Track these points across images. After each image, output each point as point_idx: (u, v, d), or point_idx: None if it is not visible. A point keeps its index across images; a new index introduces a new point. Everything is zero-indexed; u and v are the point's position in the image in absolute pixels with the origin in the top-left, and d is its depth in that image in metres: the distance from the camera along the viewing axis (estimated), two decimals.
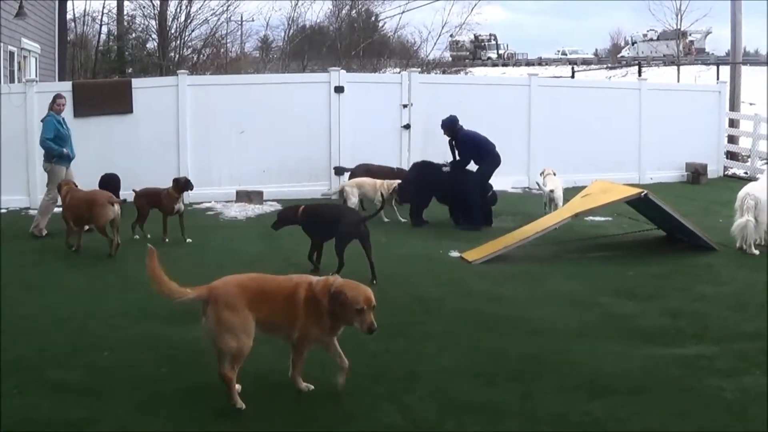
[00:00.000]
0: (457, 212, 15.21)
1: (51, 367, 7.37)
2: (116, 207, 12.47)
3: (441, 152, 16.11)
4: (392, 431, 6.17)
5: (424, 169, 15.58)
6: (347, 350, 6.80)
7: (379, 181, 15.55)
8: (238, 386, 6.46)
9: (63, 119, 14.43)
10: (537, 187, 17.06)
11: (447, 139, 15.44)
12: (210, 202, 17.18)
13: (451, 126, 15.36)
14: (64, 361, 7.58)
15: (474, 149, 15.13)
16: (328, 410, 6.50)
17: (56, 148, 13.95)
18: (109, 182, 15.05)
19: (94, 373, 7.24)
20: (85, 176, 14.46)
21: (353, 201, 15.27)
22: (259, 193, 17.60)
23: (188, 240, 13.29)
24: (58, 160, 14.03)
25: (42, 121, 14.31)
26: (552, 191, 15.56)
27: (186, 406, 6.54)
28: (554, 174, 16.22)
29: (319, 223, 11.30)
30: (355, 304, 6.31)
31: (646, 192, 12.55)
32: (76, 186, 13.45)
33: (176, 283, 6.40)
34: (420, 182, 15.28)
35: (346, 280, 6.63)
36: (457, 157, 15.36)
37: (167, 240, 13.21)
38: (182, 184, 13.65)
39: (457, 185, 14.88)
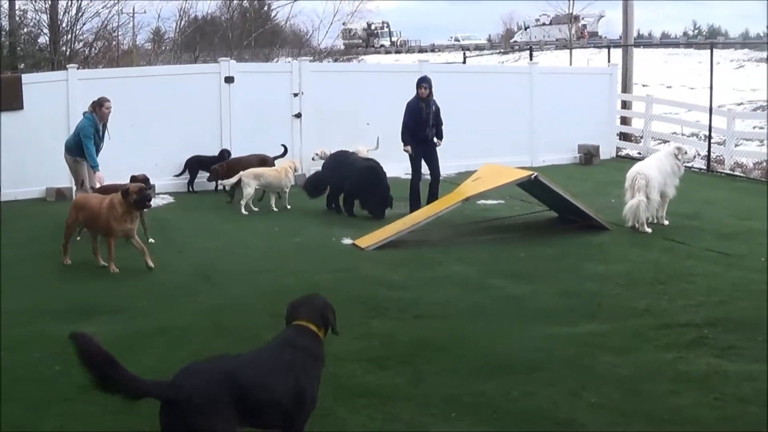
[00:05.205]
0: (368, 203, 14.62)
1: None
2: None
3: (333, 140, 16.14)
4: None
5: (339, 158, 15.45)
6: (239, 336, 6.63)
7: (284, 168, 15.32)
8: None
9: (101, 126, 13.54)
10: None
11: (341, 126, 15.28)
12: None
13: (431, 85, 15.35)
14: None
15: None
16: None
17: (93, 152, 13.28)
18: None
19: None
20: None
21: (249, 191, 15.00)
22: (151, 187, 17.32)
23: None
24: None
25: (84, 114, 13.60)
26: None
27: (78, 403, 6.40)
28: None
29: None
30: None
31: (536, 174, 12.62)
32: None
33: None
34: (335, 171, 15.10)
35: None
36: (429, 123, 15.47)
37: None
38: (139, 182, 12.54)
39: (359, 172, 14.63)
